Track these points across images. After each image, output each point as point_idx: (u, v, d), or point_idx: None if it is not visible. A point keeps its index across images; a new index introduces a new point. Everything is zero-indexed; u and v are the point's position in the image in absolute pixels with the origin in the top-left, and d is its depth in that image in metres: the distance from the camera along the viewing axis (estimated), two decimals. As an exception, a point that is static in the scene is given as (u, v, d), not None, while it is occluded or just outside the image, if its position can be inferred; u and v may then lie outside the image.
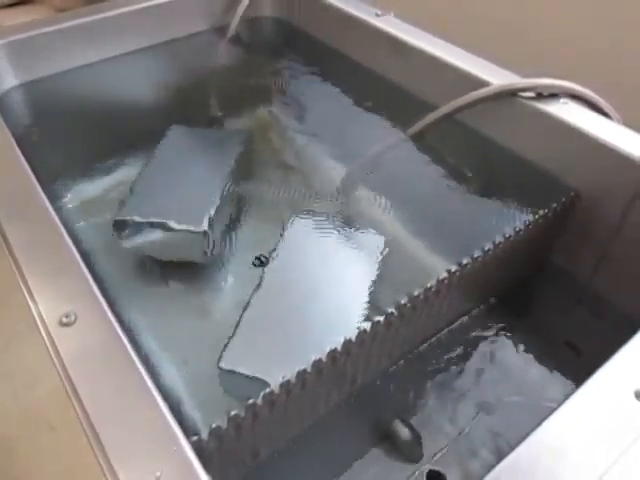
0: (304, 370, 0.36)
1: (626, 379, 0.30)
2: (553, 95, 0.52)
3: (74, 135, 0.64)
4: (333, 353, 0.37)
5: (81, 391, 0.29)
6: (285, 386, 0.35)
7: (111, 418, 0.28)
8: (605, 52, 0.74)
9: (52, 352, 0.31)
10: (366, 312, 0.46)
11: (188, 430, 0.30)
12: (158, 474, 0.25)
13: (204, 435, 0.32)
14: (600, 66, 0.74)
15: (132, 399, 0.29)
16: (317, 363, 0.36)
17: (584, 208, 0.50)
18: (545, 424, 0.29)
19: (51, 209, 0.40)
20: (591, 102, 0.52)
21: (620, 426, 0.28)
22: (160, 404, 0.29)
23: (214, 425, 0.32)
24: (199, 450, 0.30)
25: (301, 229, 0.54)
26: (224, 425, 0.33)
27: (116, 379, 0.30)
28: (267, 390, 0.34)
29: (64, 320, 0.32)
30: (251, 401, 0.34)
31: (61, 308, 0.33)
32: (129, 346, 0.31)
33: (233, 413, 0.33)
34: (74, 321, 0.32)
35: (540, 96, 0.52)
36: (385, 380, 0.46)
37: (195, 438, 0.31)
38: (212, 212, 0.52)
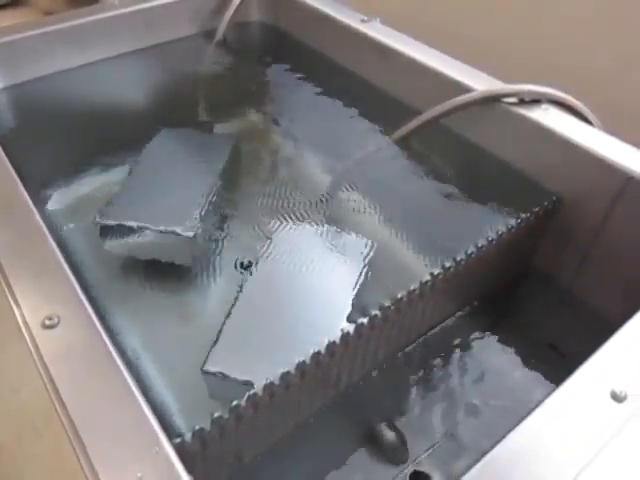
0: (287, 372, 0.36)
1: (602, 380, 0.31)
2: (535, 101, 0.53)
3: (60, 138, 0.64)
4: (317, 355, 0.38)
5: (63, 393, 0.29)
6: (269, 388, 0.35)
7: (93, 420, 0.28)
8: (588, 59, 0.76)
9: (35, 355, 0.31)
10: (351, 314, 0.46)
11: (172, 432, 0.30)
12: (139, 475, 0.26)
13: (187, 437, 0.32)
14: (583, 73, 0.75)
15: (114, 401, 0.29)
16: (301, 365, 0.37)
17: (566, 212, 0.51)
18: (523, 424, 0.29)
19: (35, 211, 0.40)
20: (572, 108, 0.52)
21: (596, 426, 0.29)
22: (142, 406, 0.29)
23: (197, 427, 0.32)
24: (182, 452, 0.30)
25: (287, 232, 0.54)
26: (207, 427, 0.33)
27: (99, 381, 0.30)
28: (250, 392, 0.34)
29: (47, 322, 0.32)
30: (235, 403, 0.34)
31: (44, 310, 0.33)
32: (112, 348, 0.31)
33: (216, 415, 0.33)
34: (57, 323, 0.32)
35: (522, 102, 0.53)
36: (370, 382, 0.47)
37: (178, 440, 0.31)
38: (199, 215, 0.52)
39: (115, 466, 0.26)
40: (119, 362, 0.31)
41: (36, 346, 0.31)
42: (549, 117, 0.51)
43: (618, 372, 0.31)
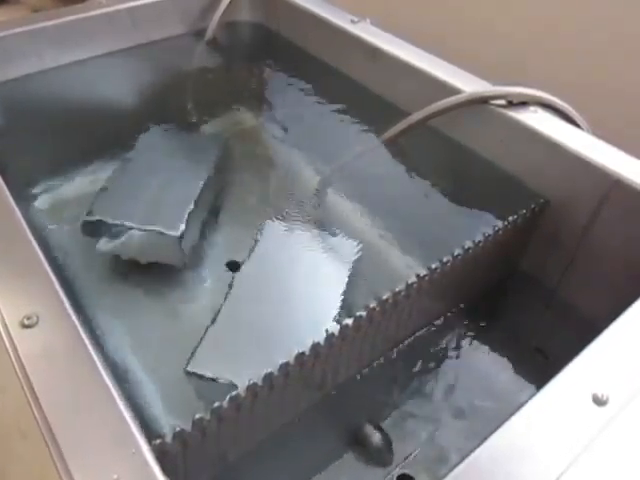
0: (271, 373, 0.36)
1: (584, 383, 0.31)
2: (523, 103, 0.53)
3: (46, 137, 0.64)
4: (301, 356, 0.37)
5: (40, 393, 0.28)
6: (251, 389, 0.35)
7: (70, 421, 0.28)
8: (578, 61, 0.76)
9: (12, 354, 0.30)
10: (337, 315, 0.46)
11: (153, 433, 0.30)
12: (115, 477, 0.25)
13: (168, 438, 0.31)
14: (572, 76, 0.75)
15: (92, 402, 0.29)
16: (284, 366, 0.36)
17: (553, 214, 0.51)
18: (505, 426, 0.29)
19: (17, 210, 0.40)
20: (561, 111, 0.53)
21: (577, 429, 0.29)
22: (120, 407, 0.28)
23: (178, 428, 0.32)
24: (163, 453, 0.30)
25: (275, 233, 0.54)
26: (188, 428, 0.32)
27: (77, 381, 0.29)
28: (233, 393, 0.34)
29: (26, 322, 0.32)
30: (216, 404, 0.33)
31: (23, 309, 0.33)
32: (91, 348, 0.31)
33: (198, 416, 0.33)
34: (36, 323, 0.32)
35: (511, 104, 0.53)
36: (355, 383, 0.46)
37: (159, 441, 0.30)
38: (187, 215, 0.52)
39: (90, 467, 0.26)
40: (98, 362, 0.30)
41: (14, 346, 0.31)
42: (537, 120, 0.51)
43: (600, 375, 0.31)
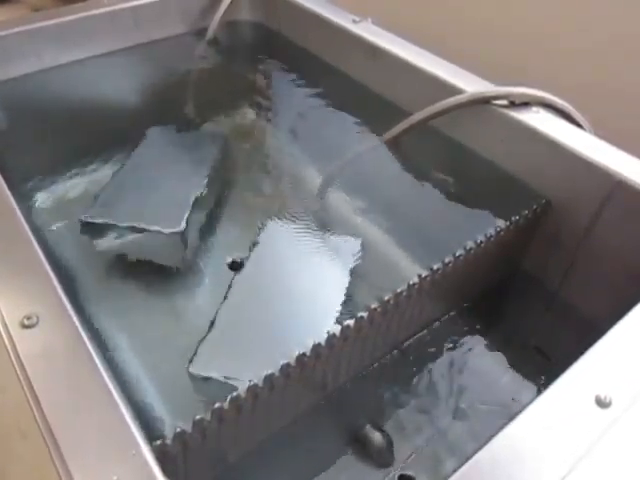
0: (272, 374, 0.36)
1: (587, 385, 0.31)
2: (525, 104, 0.53)
3: (46, 137, 0.64)
4: (302, 357, 0.37)
5: (40, 393, 0.28)
6: (252, 390, 0.35)
7: (70, 421, 0.27)
8: (580, 61, 0.76)
9: (12, 355, 0.30)
10: (338, 316, 0.46)
11: (153, 434, 0.30)
12: (115, 478, 0.25)
13: (168, 439, 0.31)
14: (575, 76, 0.75)
15: (93, 403, 0.28)
16: (285, 367, 0.36)
17: (555, 215, 0.51)
18: (506, 429, 0.29)
19: (17, 209, 0.40)
20: (563, 111, 0.52)
21: (580, 431, 0.29)
22: (121, 407, 0.28)
23: (178, 429, 0.32)
24: (163, 454, 0.30)
25: (276, 233, 0.54)
26: (189, 429, 0.32)
27: (77, 382, 0.29)
28: (233, 394, 0.34)
29: (26, 322, 0.32)
30: (217, 405, 0.33)
31: (23, 309, 0.32)
32: (92, 348, 0.31)
33: (198, 417, 0.32)
34: (36, 323, 0.32)
35: (513, 104, 0.53)
36: (356, 384, 0.46)
37: (159, 442, 0.30)
38: (188, 215, 0.52)
39: (90, 468, 0.26)
40: (98, 362, 0.30)
41: (14, 346, 0.31)
42: (539, 120, 0.51)
43: (603, 377, 0.31)
